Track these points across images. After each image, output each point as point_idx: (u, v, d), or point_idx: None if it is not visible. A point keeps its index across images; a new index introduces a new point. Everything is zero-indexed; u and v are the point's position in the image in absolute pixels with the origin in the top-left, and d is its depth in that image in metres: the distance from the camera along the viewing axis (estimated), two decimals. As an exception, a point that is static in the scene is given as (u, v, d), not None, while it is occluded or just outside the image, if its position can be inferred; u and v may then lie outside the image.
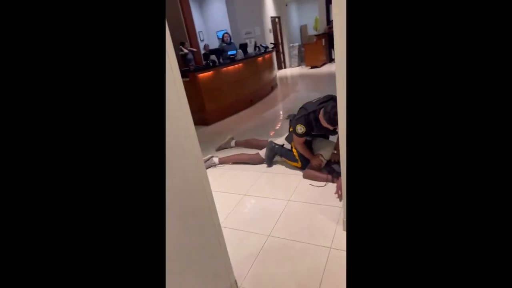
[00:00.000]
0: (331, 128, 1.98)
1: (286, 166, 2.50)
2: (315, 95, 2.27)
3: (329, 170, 2.13)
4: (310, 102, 2.13)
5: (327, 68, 8.29)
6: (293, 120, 2.26)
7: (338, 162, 2.14)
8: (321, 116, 1.97)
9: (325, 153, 2.20)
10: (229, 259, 1.27)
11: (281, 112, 4.54)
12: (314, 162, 2.19)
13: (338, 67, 1.26)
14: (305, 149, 2.24)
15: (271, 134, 3.54)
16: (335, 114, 1.83)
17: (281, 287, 1.32)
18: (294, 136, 2.19)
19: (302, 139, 2.18)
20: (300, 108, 2.19)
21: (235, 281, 1.33)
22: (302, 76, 7.72)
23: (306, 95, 5.38)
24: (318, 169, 2.20)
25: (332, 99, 2.01)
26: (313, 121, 2.04)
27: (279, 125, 3.89)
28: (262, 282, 1.36)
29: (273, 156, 2.53)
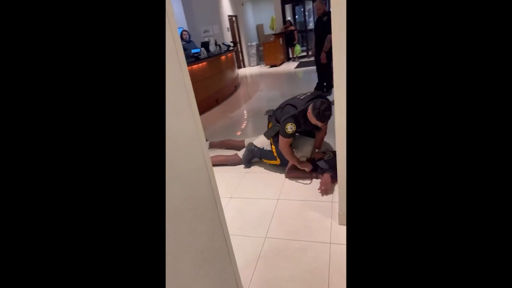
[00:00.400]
0: (320, 124, 1.97)
1: (261, 165, 2.48)
2: (279, 94, 2.26)
3: (315, 165, 2.16)
4: (296, 98, 2.09)
5: (286, 67, 8.47)
6: (272, 117, 2.20)
7: (320, 159, 2.17)
8: (309, 113, 1.94)
9: (306, 152, 2.21)
10: (236, 265, 1.21)
11: (245, 112, 4.52)
12: (302, 167, 2.13)
13: (337, 68, 1.27)
14: (292, 154, 2.13)
15: (237, 134, 3.50)
16: (326, 109, 1.83)
17: (289, 288, 1.30)
18: (281, 138, 2.07)
19: (290, 140, 2.07)
20: (286, 104, 2.11)
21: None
22: (262, 75, 7.78)
23: (271, 94, 5.44)
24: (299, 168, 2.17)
25: (319, 96, 2.01)
26: (301, 119, 2.02)
27: (249, 125, 3.87)
28: (268, 287, 1.32)
29: (252, 158, 2.49)
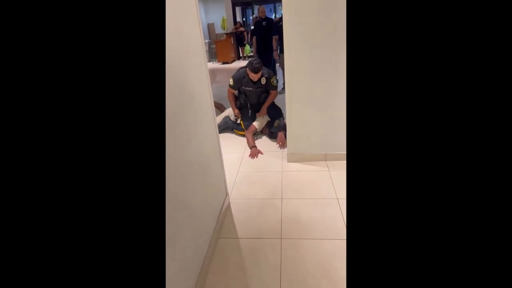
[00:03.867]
0: (252, 75, 2.76)
1: (229, 132, 3.15)
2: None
3: (269, 132, 2.90)
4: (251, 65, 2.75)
5: (237, 64, 9.13)
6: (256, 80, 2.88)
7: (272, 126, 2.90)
8: (247, 70, 2.80)
9: (261, 123, 2.94)
10: (225, 175, 1.87)
11: None
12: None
13: (288, 62, 1.99)
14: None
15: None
16: (255, 63, 2.71)
17: (256, 194, 2.00)
18: (274, 93, 2.90)
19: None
20: (255, 67, 2.71)
21: (227, 192, 1.93)
22: (216, 70, 8.32)
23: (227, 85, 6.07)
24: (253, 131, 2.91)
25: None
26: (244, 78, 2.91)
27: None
28: (243, 194, 2.01)
29: (225, 128, 3.14)
